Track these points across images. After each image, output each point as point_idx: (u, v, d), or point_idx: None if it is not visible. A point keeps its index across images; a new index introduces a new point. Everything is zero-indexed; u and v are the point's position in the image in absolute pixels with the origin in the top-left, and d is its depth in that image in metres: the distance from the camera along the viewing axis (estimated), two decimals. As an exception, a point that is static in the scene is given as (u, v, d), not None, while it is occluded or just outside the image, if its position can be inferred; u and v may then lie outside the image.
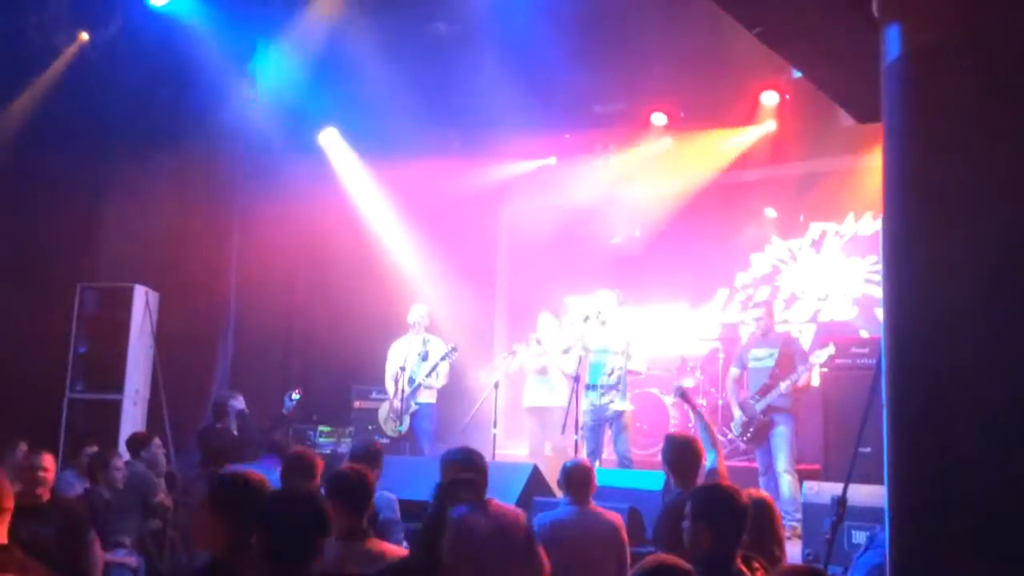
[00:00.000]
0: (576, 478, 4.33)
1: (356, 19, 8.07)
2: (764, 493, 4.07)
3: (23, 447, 5.85)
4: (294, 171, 9.13)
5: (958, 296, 2.76)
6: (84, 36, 8.09)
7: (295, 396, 6.90)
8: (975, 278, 2.72)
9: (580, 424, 7.16)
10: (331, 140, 9.86)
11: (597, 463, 6.93)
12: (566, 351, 7.30)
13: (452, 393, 8.48)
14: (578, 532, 4.18)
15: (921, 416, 2.88)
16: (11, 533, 3.89)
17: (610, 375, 7.19)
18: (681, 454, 4.53)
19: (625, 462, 6.99)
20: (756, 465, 7.21)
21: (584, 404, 7.27)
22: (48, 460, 4.55)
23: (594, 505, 4.35)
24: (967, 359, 2.75)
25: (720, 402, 8.46)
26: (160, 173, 8.50)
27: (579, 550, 4.06)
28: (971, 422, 2.73)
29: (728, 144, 9.51)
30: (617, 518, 4.34)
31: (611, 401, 7.13)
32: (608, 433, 7.22)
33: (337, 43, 8.09)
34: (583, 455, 7.07)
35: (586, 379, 7.30)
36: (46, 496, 4.49)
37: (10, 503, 2.80)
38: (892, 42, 2.95)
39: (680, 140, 9.65)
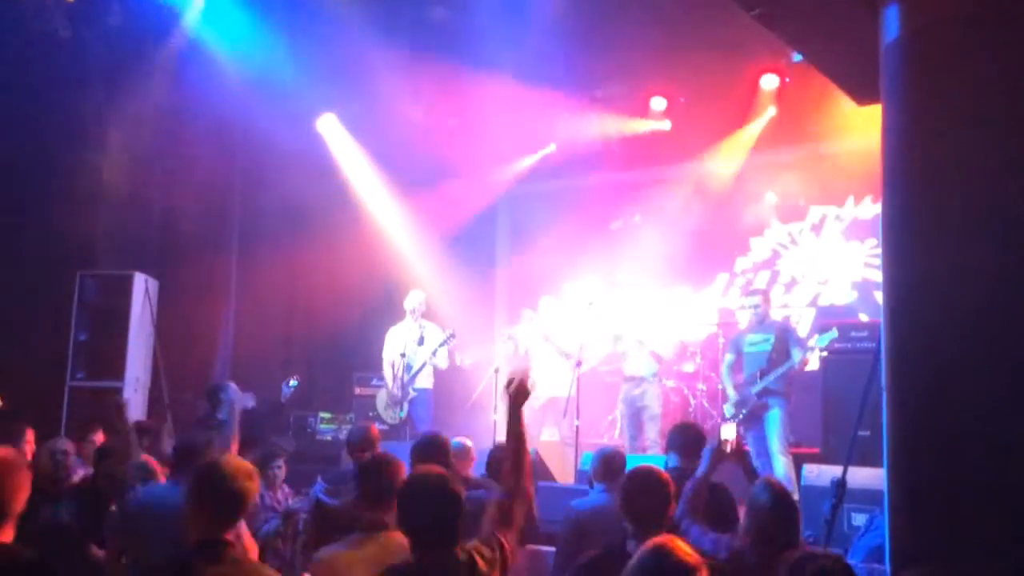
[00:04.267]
0: (616, 466, 4.39)
1: (354, 4, 8.03)
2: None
3: (28, 436, 5.88)
4: (293, 157, 9.11)
5: (956, 277, 2.76)
6: None
7: (293, 383, 6.90)
8: (973, 258, 2.72)
9: (618, 413, 7.76)
10: (329, 126, 9.84)
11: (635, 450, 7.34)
12: (616, 341, 7.79)
13: (452, 379, 8.49)
14: (618, 518, 4.22)
15: (920, 399, 2.89)
16: (29, 518, 3.93)
17: (642, 366, 7.62)
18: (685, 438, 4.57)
19: (657, 448, 7.12)
20: (747, 449, 7.24)
21: (620, 394, 7.77)
22: (69, 445, 4.67)
23: None
24: (966, 343, 2.76)
25: (720, 387, 8.47)
26: (159, 161, 8.49)
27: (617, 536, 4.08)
28: (969, 405, 2.73)
29: (733, 144, 9.51)
30: None
31: (644, 392, 7.59)
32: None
33: (335, 29, 8.05)
34: (603, 440, 7.27)
35: (623, 371, 7.77)
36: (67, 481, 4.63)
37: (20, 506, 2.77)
38: (891, 22, 2.95)
39: (680, 122, 9.61)
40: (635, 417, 7.65)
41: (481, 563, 2.70)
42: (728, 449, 3.93)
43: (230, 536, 2.71)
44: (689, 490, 3.78)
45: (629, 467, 5.36)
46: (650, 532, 3.04)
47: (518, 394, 3.02)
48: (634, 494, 3.41)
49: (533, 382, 3.11)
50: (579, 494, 4.58)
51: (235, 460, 2.91)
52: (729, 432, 3.97)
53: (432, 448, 4.20)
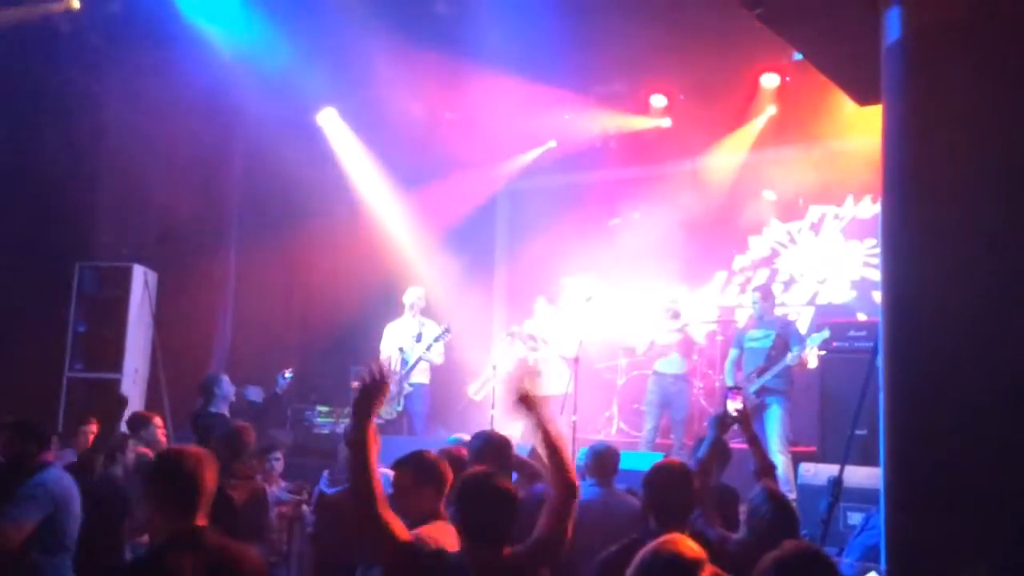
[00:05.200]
0: (607, 462, 4.46)
1: (355, -1, 8.03)
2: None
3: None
4: (292, 151, 9.10)
5: (955, 277, 2.77)
6: (75, 3, 7.94)
7: (288, 374, 6.89)
8: (972, 258, 2.73)
9: (644, 402, 7.69)
10: (329, 120, 9.83)
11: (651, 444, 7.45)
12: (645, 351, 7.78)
13: (450, 375, 8.50)
14: (606, 513, 4.28)
15: (917, 398, 2.90)
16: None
17: (678, 365, 7.61)
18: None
19: (685, 448, 7.14)
20: (745, 445, 7.26)
21: (651, 386, 7.70)
22: None
23: (617, 488, 4.47)
24: (964, 343, 2.77)
25: (718, 384, 8.49)
26: (158, 153, 8.47)
27: (606, 530, 4.11)
28: (967, 405, 2.74)
29: (733, 142, 9.51)
30: (636, 501, 4.40)
31: (680, 391, 7.56)
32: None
33: (336, 23, 8.04)
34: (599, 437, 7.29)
35: (655, 366, 7.73)
36: None
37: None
38: (893, 24, 2.95)
39: (680, 119, 9.61)
40: (661, 409, 7.63)
41: (530, 570, 2.76)
42: (733, 414, 3.94)
43: (203, 522, 2.70)
44: (695, 467, 3.78)
45: (634, 465, 5.43)
46: (673, 527, 3.06)
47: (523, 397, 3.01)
48: (658, 488, 3.41)
49: (533, 377, 3.13)
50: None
51: (189, 448, 2.93)
52: (734, 403, 3.98)
53: (491, 447, 4.08)
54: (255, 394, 6.68)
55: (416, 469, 3.32)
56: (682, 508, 3.36)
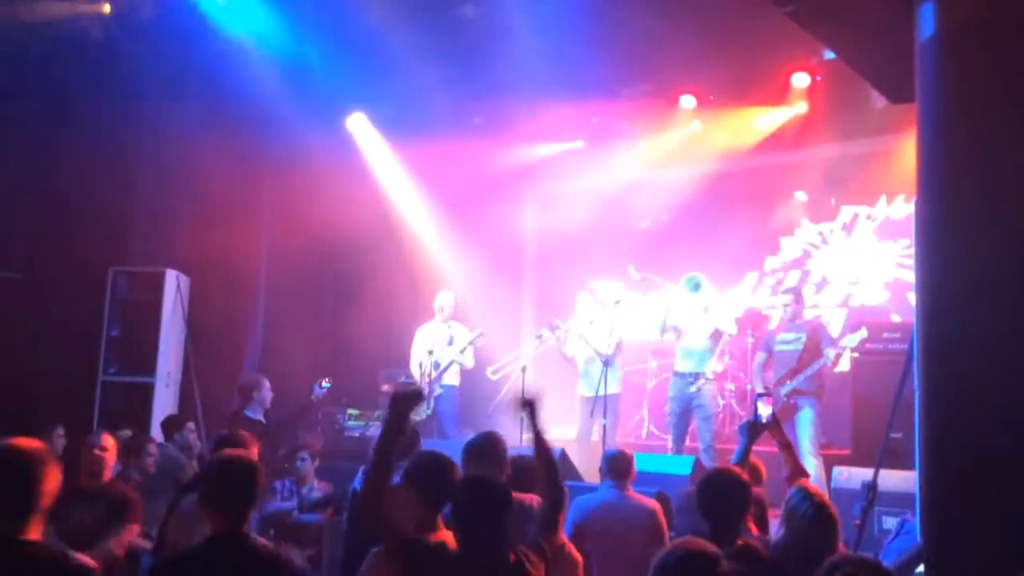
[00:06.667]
0: (619, 466, 4.50)
1: (384, 3, 8.05)
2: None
3: (60, 431, 5.97)
4: (323, 157, 9.16)
5: (992, 276, 2.72)
6: (106, 8, 8.01)
7: (325, 384, 6.91)
8: (1009, 257, 2.68)
9: (667, 411, 7.33)
10: (359, 125, 9.88)
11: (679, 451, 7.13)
12: (663, 331, 7.34)
13: (479, 377, 8.50)
14: (620, 516, 4.32)
15: (953, 400, 2.85)
16: (62, 517, 3.97)
17: (699, 362, 7.18)
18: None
19: (712, 452, 6.93)
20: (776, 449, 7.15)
21: (671, 391, 7.31)
22: (108, 441, 4.70)
23: (632, 491, 4.48)
24: (1001, 341, 2.72)
25: (749, 387, 8.42)
26: (190, 158, 8.56)
27: (620, 534, 4.19)
28: (1004, 406, 2.69)
29: (758, 124, 9.37)
30: (655, 504, 4.46)
31: (700, 390, 7.12)
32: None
33: (365, 27, 8.08)
34: (613, 439, 7.16)
35: (675, 366, 7.35)
36: (105, 477, 4.64)
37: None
38: (926, 20, 2.91)
39: (709, 121, 9.54)
40: (684, 416, 7.18)
41: (529, 567, 2.83)
42: (764, 420, 3.90)
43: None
44: None
45: (661, 468, 5.44)
46: (728, 534, 3.11)
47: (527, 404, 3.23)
48: (713, 497, 3.37)
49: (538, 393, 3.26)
50: (591, 492, 4.70)
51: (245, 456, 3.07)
52: (765, 408, 3.94)
53: (487, 448, 3.95)
54: (316, 439, 6.80)
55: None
56: (737, 517, 3.33)
